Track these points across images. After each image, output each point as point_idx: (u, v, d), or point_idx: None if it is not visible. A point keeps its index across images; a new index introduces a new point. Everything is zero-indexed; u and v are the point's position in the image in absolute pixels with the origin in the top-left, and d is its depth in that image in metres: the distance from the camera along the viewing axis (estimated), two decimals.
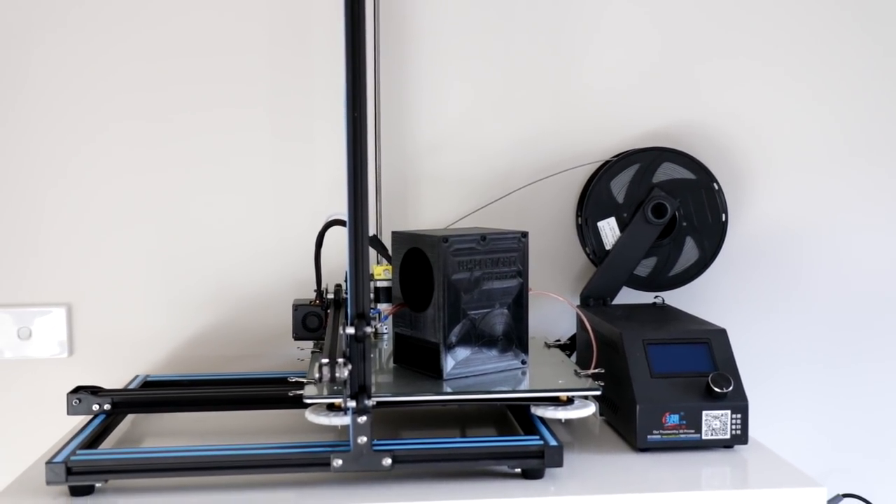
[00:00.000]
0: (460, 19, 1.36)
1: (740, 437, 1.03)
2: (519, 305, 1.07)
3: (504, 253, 1.06)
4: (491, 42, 1.37)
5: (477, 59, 1.37)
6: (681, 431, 1.03)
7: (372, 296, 1.14)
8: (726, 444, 1.04)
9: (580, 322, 1.25)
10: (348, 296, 0.89)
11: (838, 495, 1.28)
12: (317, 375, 0.96)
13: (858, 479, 1.45)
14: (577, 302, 1.34)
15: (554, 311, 1.40)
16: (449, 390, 0.99)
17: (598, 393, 0.98)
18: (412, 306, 1.07)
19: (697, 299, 1.42)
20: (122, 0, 1.33)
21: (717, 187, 1.33)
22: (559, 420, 1.02)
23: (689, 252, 1.33)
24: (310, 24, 1.34)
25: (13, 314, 1.35)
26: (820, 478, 1.43)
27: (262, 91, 1.35)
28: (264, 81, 1.35)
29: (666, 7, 1.39)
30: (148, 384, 1.23)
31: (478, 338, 1.05)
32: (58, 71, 1.33)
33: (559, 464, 0.94)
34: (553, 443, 0.95)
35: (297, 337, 1.19)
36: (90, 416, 1.10)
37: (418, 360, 1.06)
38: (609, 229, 1.32)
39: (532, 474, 0.95)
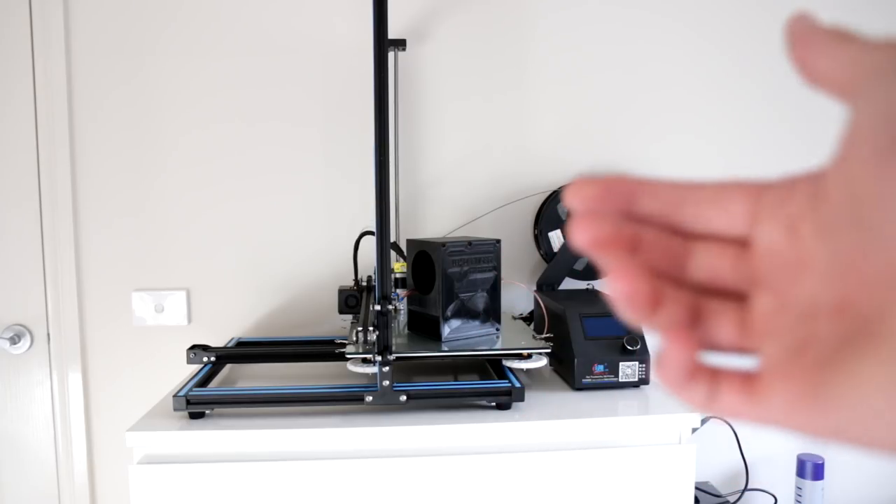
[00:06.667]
0: (453, 94, 1.36)
1: (644, 380, 1.03)
2: (494, 290, 1.07)
3: (484, 254, 1.06)
4: (475, 110, 1.36)
5: (466, 122, 1.36)
6: (605, 376, 1.03)
7: (392, 284, 1.13)
8: (635, 385, 1.04)
9: (536, 302, 1.24)
10: (376, 283, 0.89)
11: (707, 416, 1.28)
12: (354, 339, 0.96)
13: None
14: (535, 288, 1.34)
15: (518, 294, 1.39)
16: (446, 349, 1.00)
17: (549, 350, 0.98)
18: (420, 291, 1.07)
19: None
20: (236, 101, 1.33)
21: None
22: (522, 369, 1.02)
23: None
24: (350, 96, 1.34)
25: (152, 295, 1.34)
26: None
27: (318, 143, 1.35)
28: (319, 134, 1.35)
29: (586, 85, 1.38)
30: (240, 343, 1.23)
31: (466, 313, 1.05)
32: (194, 152, 1.33)
33: (522, 399, 0.94)
34: (518, 385, 0.95)
35: (341, 312, 1.19)
36: (201, 365, 1.10)
37: (425, 328, 1.06)
38: (556, 238, 1.31)
39: (503, 406, 0.95)
